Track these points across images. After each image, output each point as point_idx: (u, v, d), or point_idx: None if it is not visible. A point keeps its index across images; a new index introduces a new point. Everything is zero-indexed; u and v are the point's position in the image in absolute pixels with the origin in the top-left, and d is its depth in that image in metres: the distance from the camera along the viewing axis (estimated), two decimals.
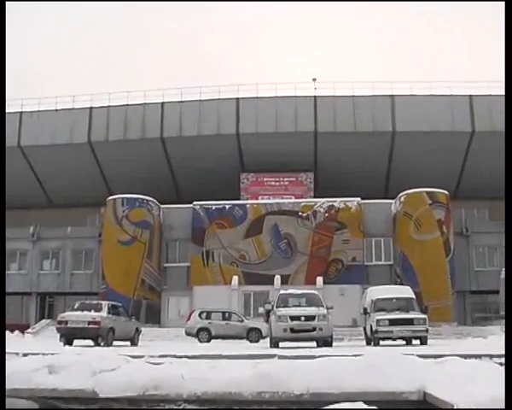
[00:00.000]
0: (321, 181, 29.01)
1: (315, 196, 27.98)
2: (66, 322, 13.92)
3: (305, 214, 26.03)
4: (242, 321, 18.92)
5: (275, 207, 26.44)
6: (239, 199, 28.12)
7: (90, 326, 13.70)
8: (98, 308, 14.34)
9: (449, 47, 58.97)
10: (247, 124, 28.59)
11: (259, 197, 28.30)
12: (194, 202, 26.58)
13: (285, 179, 29.10)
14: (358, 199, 26.07)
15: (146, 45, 59.56)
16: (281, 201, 27.11)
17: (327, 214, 25.93)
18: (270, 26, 60.34)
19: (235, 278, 25.31)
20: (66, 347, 12.68)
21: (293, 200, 27.38)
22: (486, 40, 61.70)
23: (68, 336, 13.88)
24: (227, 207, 26.48)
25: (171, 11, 60.96)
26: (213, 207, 26.47)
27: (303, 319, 12.46)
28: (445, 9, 58.89)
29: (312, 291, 14.36)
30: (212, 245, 25.88)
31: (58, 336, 14.09)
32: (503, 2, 6.75)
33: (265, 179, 29.15)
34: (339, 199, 26.13)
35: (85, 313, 14.07)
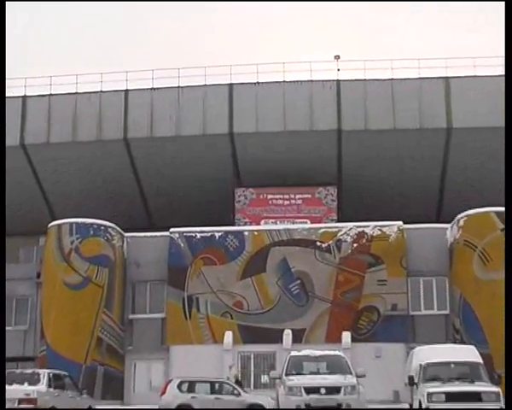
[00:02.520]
0: (347, 199, 28.96)
1: (339, 220, 27.83)
2: None
3: (325, 245, 25.87)
4: (239, 395, 18.89)
5: (283, 234, 26.29)
6: (233, 224, 28.09)
7: (22, 406, 13.48)
8: (34, 380, 14.18)
9: None
10: (245, 120, 28.71)
11: (262, 222, 28.35)
12: (172, 229, 26.49)
13: (297, 196, 29.13)
14: (400, 223, 25.95)
15: (145, 45, 64.09)
16: (292, 226, 27.00)
17: (356, 245, 25.78)
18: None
19: (229, 335, 25.13)
20: None
21: (308, 225, 27.33)
22: None
23: None
24: (217, 235, 26.35)
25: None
26: (198, 236, 26.36)
27: (323, 391, 12.56)
28: None
29: (336, 352, 14.29)
30: (196, 288, 25.75)
31: None
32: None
33: (270, 197, 29.22)
34: (372, 223, 25.99)
35: (16, 386, 13.82)
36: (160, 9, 68.13)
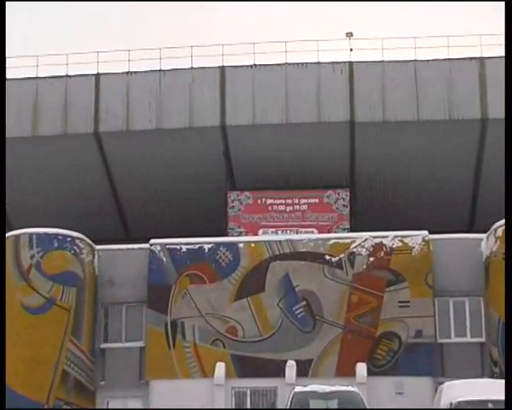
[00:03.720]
0: (361, 204, 29.13)
1: (352, 229, 27.86)
2: None
3: (335, 259, 25.72)
4: None
5: (285, 246, 26.12)
6: (226, 234, 28.15)
7: None
8: None
9: None
10: (239, 110, 28.76)
11: (260, 231, 28.41)
12: (152, 241, 26.39)
13: (302, 201, 29.18)
14: (425, 233, 25.81)
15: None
16: (295, 237, 26.93)
17: (372, 259, 25.64)
18: None
19: (221, 367, 25.00)
20: None
21: (315, 235, 27.28)
22: None
23: None
24: (206, 247, 26.21)
25: None
26: (183, 249, 26.24)
27: None
28: None
29: (349, 388, 14.16)
30: (181, 312, 25.63)
31: None
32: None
33: (269, 201, 29.24)
34: (392, 233, 25.88)
35: None
36: None
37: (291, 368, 24.64)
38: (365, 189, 29.19)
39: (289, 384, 22.70)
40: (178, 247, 26.20)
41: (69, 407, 24.57)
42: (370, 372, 24.35)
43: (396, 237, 25.77)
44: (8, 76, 28.93)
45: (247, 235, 28.01)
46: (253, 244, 26.41)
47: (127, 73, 29.15)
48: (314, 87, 28.66)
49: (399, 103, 28.14)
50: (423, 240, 25.62)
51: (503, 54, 27.70)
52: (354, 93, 28.48)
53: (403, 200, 28.34)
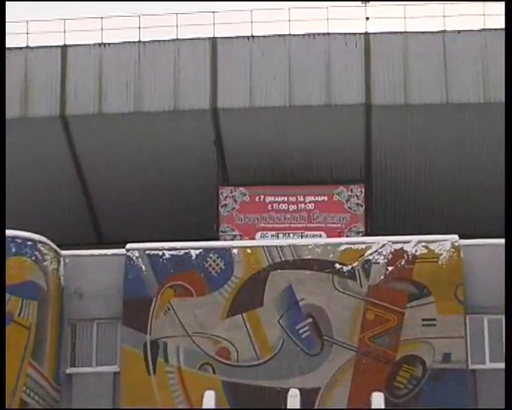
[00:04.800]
0: (379, 202, 29.53)
1: (367, 233, 28.17)
2: None
3: (347, 268, 25.53)
4: None
5: (288, 253, 25.92)
6: (217, 238, 28.34)
7: None
8: None
9: None
10: (234, 90, 28.99)
11: (258, 234, 28.65)
12: (129, 245, 26.25)
13: (308, 199, 29.43)
14: (455, 238, 25.61)
15: None
16: (300, 242, 26.90)
17: (391, 268, 25.45)
18: None
19: (210, 396, 24.77)
20: None
21: (323, 239, 27.29)
22: None
23: None
24: (194, 253, 26.04)
25: None
26: (166, 255, 26.05)
27: None
28: None
29: None
30: (163, 330, 25.46)
31: None
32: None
33: (269, 199, 29.47)
34: (415, 237, 25.77)
35: None
36: None
37: (294, 398, 24.40)
38: (383, 184, 29.31)
39: None
40: (160, 253, 26.01)
41: None
42: (389, 404, 24.17)
43: (420, 242, 25.55)
44: None
45: (242, 239, 28.14)
46: (249, 250, 26.18)
47: (100, 44, 29.17)
48: (323, 63, 28.77)
49: (425, 83, 28.23)
50: (453, 246, 25.39)
51: None
52: (371, 70, 28.57)
53: (428, 197, 28.35)
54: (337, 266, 25.57)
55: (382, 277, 25.37)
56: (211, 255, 25.96)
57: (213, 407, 24.69)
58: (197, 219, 28.50)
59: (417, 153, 28.87)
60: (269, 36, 28.93)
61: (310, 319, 25.34)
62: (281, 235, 28.36)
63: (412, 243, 25.57)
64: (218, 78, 28.73)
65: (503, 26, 27.95)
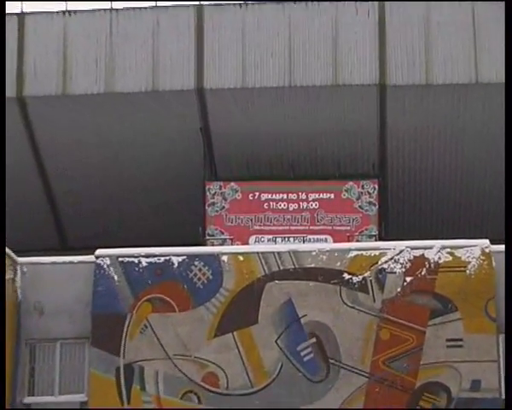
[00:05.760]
0: (395, 201, 29.71)
1: (381, 237, 28.20)
2: None
3: (358, 278, 25.46)
4: None
5: (287, 260, 25.82)
6: (204, 243, 28.43)
7: None
8: None
9: None
10: (223, 67, 29.10)
11: (252, 238, 28.76)
12: (99, 251, 26.15)
13: (311, 197, 29.57)
14: (485, 242, 25.57)
15: None
16: (301, 247, 26.84)
17: (410, 278, 25.34)
18: None
19: None
20: None
21: (329, 245, 27.02)
22: None
23: None
24: (176, 260, 25.95)
25: None
26: (143, 263, 25.97)
27: None
28: None
29: None
30: (139, 352, 25.37)
31: None
32: None
33: (265, 196, 29.58)
34: (438, 242, 25.67)
35: None
36: None
37: None
38: (400, 179, 29.38)
39: None
40: (136, 260, 25.92)
41: None
42: None
43: (444, 247, 25.43)
44: None
45: (232, 243, 28.15)
46: (241, 257, 26.06)
47: (64, 12, 29.08)
48: (329, 36, 28.76)
49: (450, 59, 28.12)
50: (483, 252, 25.31)
51: None
52: (386, 44, 28.53)
53: (453, 195, 28.35)
54: (346, 276, 25.48)
55: (399, 289, 25.27)
56: (196, 263, 25.88)
57: None
58: (180, 221, 28.46)
59: (440, 142, 28.85)
60: (264, 2, 28.99)
61: (313, 339, 25.27)
62: (279, 239, 28.38)
63: (435, 249, 25.48)
64: (204, 52, 28.64)
65: None
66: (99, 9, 28.47)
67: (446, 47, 27.61)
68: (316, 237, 28.26)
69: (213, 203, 29.01)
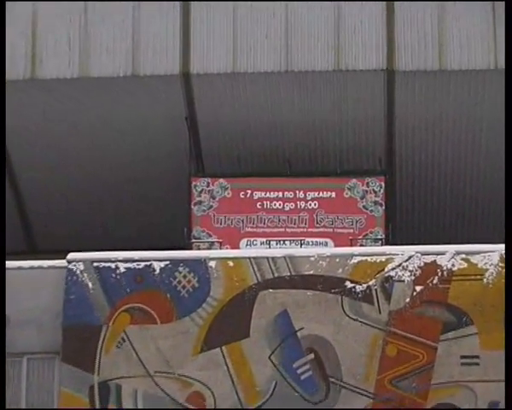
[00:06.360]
0: (404, 200, 29.83)
1: (388, 241, 28.24)
2: None
3: (362, 287, 25.40)
4: None
5: (283, 267, 25.77)
6: (189, 246, 28.61)
7: None
8: None
9: None
10: (212, 50, 29.12)
11: (242, 241, 28.80)
12: (71, 255, 26.10)
13: (309, 195, 29.64)
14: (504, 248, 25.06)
15: None
16: (298, 252, 26.69)
17: (420, 288, 25.28)
18: None
19: None
20: None
21: (330, 249, 27.31)
22: None
23: None
24: (157, 266, 25.90)
25: None
26: (121, 268, 25.92)
27: None
28: None
29: None
30: (116, 368, 25.38)
31: None
32: None
33: (258, 195, 29.65)
34: (452, 247, 25.64)
35: None
36: None
37: None
38: (410, 176, 29.36)
39: None
40: (113, 265, 25.90)
41: None
42: None
43: (458, 253, 25.34)
44: None
45: (222, 247, 28.28)
46: (231, 262, 26.01)
47: None
48: (331, 16, 28.67)
49: (465, 42, 28.10)
50: (502, 259, 25.13)
51: None
52: (394, 25, 28.48)
53: (469, 194, 28.32)
54: (348, 284, 25.45)
55: (408, 299, 25.23)
56: (180, 269, 25.86)
57: None
58: (162, 221, 28.56)
59: (455, 134, 28.84)
60: None
61: (311, 355, 25.31)
62: (273, 243, 28.43)
63: (448, 255, 25.40)
64: (190, 33, 28.55)
65: None
66: None
67: (462, 28, 27.64)
68: (315, 240, 28.36)
69: (200, 202, 29.02)
